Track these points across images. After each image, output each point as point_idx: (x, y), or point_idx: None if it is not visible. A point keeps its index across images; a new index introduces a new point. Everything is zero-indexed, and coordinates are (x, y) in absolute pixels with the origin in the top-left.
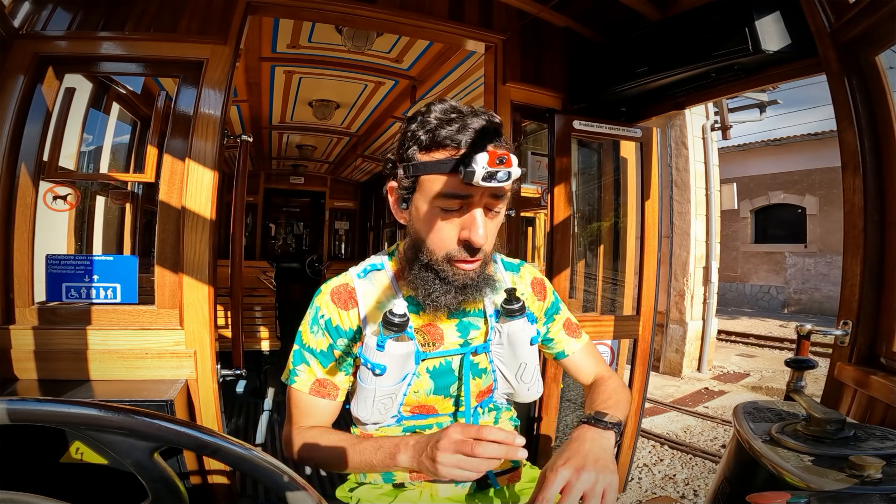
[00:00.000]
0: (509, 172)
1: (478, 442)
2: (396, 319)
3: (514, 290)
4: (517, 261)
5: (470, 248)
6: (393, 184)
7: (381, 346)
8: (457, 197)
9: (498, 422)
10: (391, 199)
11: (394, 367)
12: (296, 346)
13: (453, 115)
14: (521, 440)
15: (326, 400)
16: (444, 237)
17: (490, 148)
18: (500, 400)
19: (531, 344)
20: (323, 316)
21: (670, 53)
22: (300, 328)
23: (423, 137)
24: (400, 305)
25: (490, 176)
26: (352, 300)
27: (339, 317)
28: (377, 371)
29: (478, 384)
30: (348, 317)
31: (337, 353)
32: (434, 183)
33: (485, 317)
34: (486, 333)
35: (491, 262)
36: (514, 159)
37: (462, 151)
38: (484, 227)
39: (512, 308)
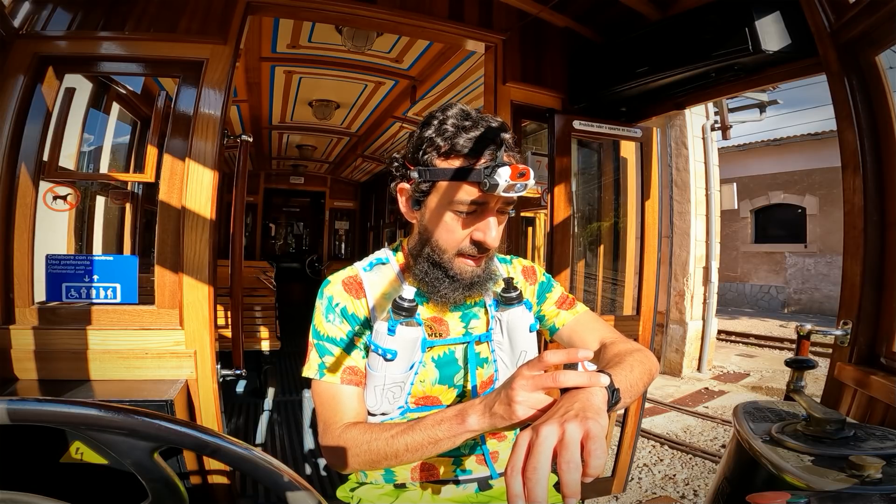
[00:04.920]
0: (526, 184)
1: (556, 373)
2: (406, 304)
3: (512, 279)
4: (508, 256)
5: (481, 247)
6: (404, 185)
7: (391, 331)
8: (475, 203)
9: None
10: (402, 199)
11: (403, 353)
12: (314, 341)
13: (467, 123)
14: (586, 353)
15: (358, 388)
16: (456, 237)
17: (507, 159)
18: None
19: (530, 331)
20: (338, 304)
21: (670, 53)
22: (313, 322)
23: (441, 144)
24: (409, 291)
25: (510, 187)
26: (361, 290)
27: (353, 304)
28: (388, 356)
29: (481, 374)
30: (360, 305)
31: (357, 339)
32: (452, 189)
33: (485, 307)
34: (487, 323)
35: (494, 258)
36: (532, 172)
37: (482, 161)
38: (496, 229)
39: (510, 296)
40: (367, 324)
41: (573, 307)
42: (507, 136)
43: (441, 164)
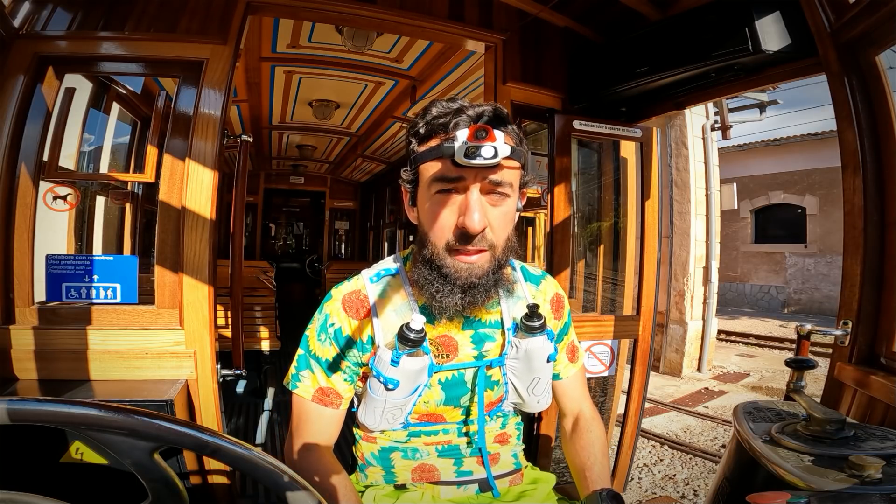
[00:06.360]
0: (495, 148)
1: None
2: (413, 335)
3: (537, 306)
4: (539, 271)
5: (465, 235)
6: (404, 184)
7: (395, 362)
8: (446, 179)
9: (504, 427)
10: (405, 199)
11: (406, 382)
12: (301, 351)
13: (453, 107)
14: None
15: (329, 409)
16: (442, 226)
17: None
18: (507, 409)
19: (548, 361)
20: (332, 325)
21: (670, 53)
22: (307, 332)
23: (421, 130)
24: (418, 321)
25: (473, 151)
26: (364, 308)
27: (350, 326)
28: (390, 386)
29: (489, 395)
30: (359, 326)
31: (343, 363)
32: (428, 169)
33: (502, 329)
34: (502, 346)
35: (506, 265)
36: (501, 135)
37: (452, 136)
38: (480, 211)
39: (533, 325)
40: (368, 344)
41: (576, 360)
42: (487, 108)
43: (420, 148)
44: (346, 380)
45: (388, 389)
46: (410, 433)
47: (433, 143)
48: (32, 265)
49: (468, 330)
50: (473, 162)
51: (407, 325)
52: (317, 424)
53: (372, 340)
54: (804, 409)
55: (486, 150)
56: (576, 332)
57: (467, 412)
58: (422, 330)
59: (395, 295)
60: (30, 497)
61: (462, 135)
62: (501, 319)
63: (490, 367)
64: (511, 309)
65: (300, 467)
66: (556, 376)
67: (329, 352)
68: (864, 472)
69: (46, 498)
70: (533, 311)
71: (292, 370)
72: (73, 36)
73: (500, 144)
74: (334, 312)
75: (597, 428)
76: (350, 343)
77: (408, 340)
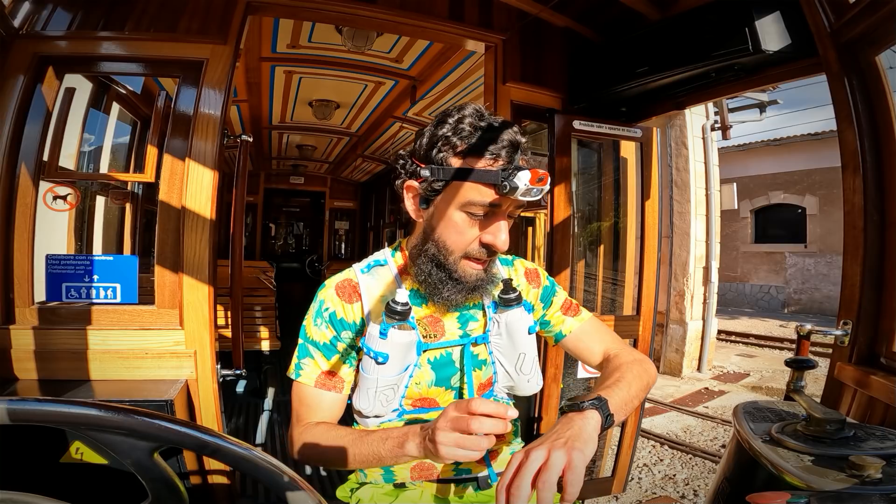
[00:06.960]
0: (543, 189)
1: (473, 418)
2: (399, 307)
3: (511, 280)
4: (510, 256)
5: (490, 250)
6: (413, 183)
7: (383, 334)
8: (491, 206)
9: None
10: (408, 197)
11: (396, 356)
12: (300, 341)
13: (483, 124)
14: (514, 412)
15: (332, 393)
16: (465, 239)
17: (523, 163)
18: (500, 394)
19: (529, 333)
20: (327, 309)
21: (670, 53)
22: (304, 322)
23: (457, 143)
24: (402, 294)
25: (527, 192)
26: (356, 294)
27: (344, 310)
28: (380, 360)
29: (478, 376)
30: (352, 310)
31: (341, 345)
32: (467, 190)
33: (483, 309)
34: (485, 325)
35: (496, 260)
36: (549, 177)
37: (499, 163)
38: (506, 233)
39: (509, 297)
40: (361, 328)
41: (578, 314)
42: (523, 140)
43: (456, 163)
44: (345, 362)
45: (378, 364)
46: (407, 422)
47: (478, 164)
48: (32, 265)
49: (454, 312)
50: (525, 199)
51: (392, 298)
52: (320, 409)
53: (363, 323)
54: (804, 409)
55: (537, 191)
56: None
57: (459, 395)
58: (407, 303)
59: (385, 282)
60: (30, 497)
61: (524, 176)
62: (482, 300)
63: (475, 344)
64: (491, 291)
65: (308, 446)
66: (559, 335)
67: (326, 335)
68: (864, 472)
69: (46, 498)
70: (507, 285)
71: (294, 360)
72: (73, 36)
73: (547, 186)
74: (328, 298)
75: (628, 355)
76: (345, 325)
77: (394, 313)
